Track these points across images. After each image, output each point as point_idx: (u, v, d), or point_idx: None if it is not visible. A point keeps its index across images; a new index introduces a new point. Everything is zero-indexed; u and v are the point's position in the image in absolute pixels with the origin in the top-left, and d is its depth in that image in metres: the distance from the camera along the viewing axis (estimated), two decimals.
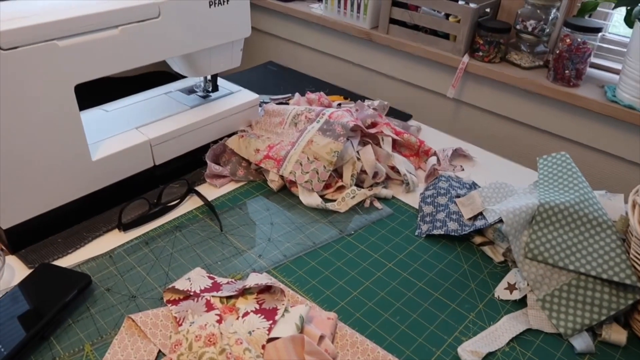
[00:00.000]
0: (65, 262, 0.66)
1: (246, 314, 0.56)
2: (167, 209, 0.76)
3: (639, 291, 0.59)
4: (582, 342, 0.59)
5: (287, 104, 1.08)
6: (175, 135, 0.80)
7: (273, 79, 1.22)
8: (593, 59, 1.17)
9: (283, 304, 0.57)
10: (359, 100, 1.00)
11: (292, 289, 0.64)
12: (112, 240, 0.70)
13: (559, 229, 0.64)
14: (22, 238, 0.67)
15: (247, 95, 0.92)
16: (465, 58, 1.16)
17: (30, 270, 0.63)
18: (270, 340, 0.52)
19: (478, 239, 0.73)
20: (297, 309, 0.56)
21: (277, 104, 1.05)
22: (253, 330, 0.53)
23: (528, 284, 0.63)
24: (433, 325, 0.61)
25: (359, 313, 0.61)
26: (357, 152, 0.84)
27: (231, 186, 0.83)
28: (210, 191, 0.81)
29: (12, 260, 0.66)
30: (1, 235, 0.66)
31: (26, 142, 0.61)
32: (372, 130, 0.88)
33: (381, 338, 0.58)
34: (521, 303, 0.64)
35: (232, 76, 1.19)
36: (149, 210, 0.75)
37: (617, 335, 0.59)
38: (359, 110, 0.95)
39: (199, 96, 0.90)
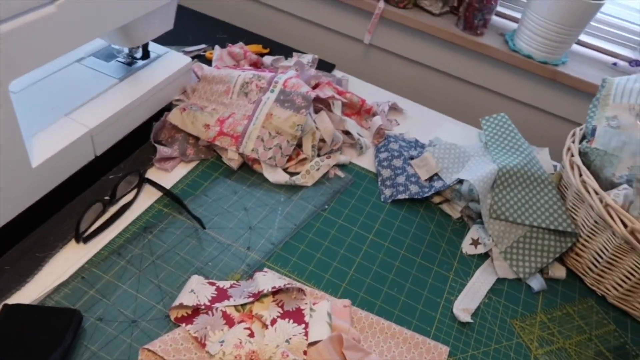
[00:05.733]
0: (27, 295, 0.55)
1: (274, 321, 0.55)
2: (125, 208, 0.67)
3: (575, 235, 0.73)
4: (537, 283, 0.71)
5: (204, 56, 0.98)
6: (116, 120, 0.68)
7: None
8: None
9: (306, 304, 0.57)
10: (298, 59, 0.96)
11: (295, 278, 0.64)
12: (72, 255, 0.60)
13: (514, 189, 0.74)
14: None
15: (177, 59, 0.81)
16: (381, 4, 1.15)
17: None
18: (310, 344, 0.53)
19: (437, 198, 0.80)
20: (321, 306, 0.57)
21: (192, 57, 0.95)
22: (290, 338, 0.53)
23: (493, 240, 0.73)
24: (425, 291, 0.67)
25: (362, 292, 0.65)
26: (314, 120, 0.82)
27: (182, 168, 0.76)
28: (161, 176, 0.73)
29: None
30: None
31: None
32: (323, 95, 0.86)
33: (388, 313, 0.63)
34: (484, 255, 0.74)
35: None
36: (103, 210, 0.65)
37: (558, 271, 0.73)
38: (299, 70, 0.91)
39: (122, 62, 0.77)
